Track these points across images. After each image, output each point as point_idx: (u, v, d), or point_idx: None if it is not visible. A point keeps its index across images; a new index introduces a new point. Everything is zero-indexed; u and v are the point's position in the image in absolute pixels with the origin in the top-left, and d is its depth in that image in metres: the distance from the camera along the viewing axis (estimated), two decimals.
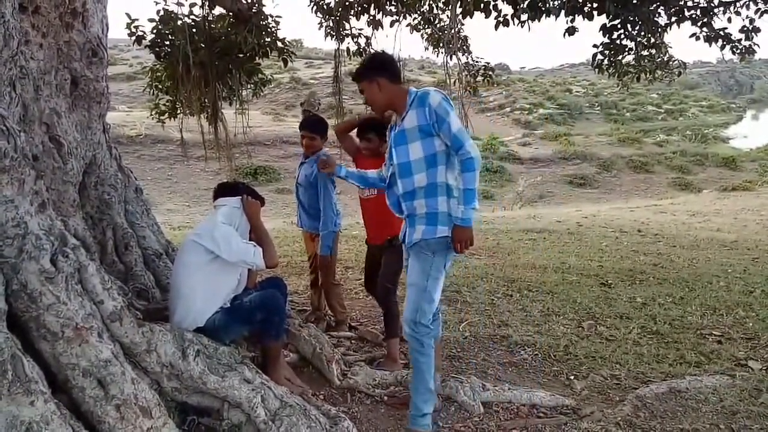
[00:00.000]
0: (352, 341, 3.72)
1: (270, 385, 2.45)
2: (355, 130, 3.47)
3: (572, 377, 3.37)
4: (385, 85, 2.55)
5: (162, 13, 6.87)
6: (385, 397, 2.87)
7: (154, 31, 7.02)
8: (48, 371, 2.04)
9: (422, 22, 8.62)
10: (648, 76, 7.98)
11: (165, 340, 2.32)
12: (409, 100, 2.53)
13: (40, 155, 2.60)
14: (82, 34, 2.87)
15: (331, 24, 8.05)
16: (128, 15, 7.03)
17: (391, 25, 7.75)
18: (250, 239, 2.83)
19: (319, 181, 3.71)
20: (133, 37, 7.13)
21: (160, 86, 8.35)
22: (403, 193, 2.60)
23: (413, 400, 2.59)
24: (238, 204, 2.86)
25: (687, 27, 6.60)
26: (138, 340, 2.23)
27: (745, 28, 6.45)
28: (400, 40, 23.55)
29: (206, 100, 7.77)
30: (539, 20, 6.54)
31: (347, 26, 8.09)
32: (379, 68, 2.58)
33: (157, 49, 7.28)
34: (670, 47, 7.72)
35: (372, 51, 7.72)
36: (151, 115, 9.11)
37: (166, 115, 8.81)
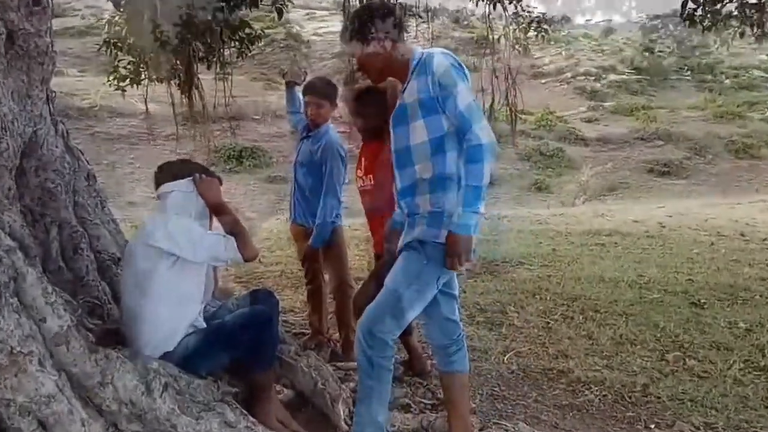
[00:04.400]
0: None
1: (258, 430, 2.45)
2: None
3: (653, 426, 3.33)
4: (383, 45, 2.45)
5: None
6: None
7: None
8: None
9: None
10: (755, 31, 7.84)
11: (124, 369, 2.33)
12: (413, 65, 2.47)
13: None
14: None
15: None
16: None
17: None
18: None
19: (328, 160, 3.77)
20: None
21: (119, 44, 8.43)
22: (401, 189, 2.56)
23: (352, 429, 2.59)
24: (191, 187, 2.85)
25: None
26: (89, 370, 2.24)
27: None
28: None
29: (178, 62, 7.82)
30: None
31: None
32: (375, 24, 2.44)
33: None
34: None
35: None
36: (109, 80, 9.22)
37: (128, 81, 8.91)
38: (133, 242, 2.76)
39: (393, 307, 2.47)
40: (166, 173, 2.93)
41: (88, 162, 3.50)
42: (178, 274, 2.66)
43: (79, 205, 3.24)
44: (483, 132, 2.35)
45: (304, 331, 4.39)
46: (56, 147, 3.17)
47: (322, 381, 3.07)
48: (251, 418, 2.52)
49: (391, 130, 2.56)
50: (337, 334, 4.14)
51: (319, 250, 3.94)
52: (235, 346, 2.70)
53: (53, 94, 3.30)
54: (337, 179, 3.79)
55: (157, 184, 2.93)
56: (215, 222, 2.93)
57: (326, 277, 4.21)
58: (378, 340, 2.47)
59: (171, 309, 2.63)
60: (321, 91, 3.83)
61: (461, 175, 2.46)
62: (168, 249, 2.62)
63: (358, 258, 6.74)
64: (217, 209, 2.89)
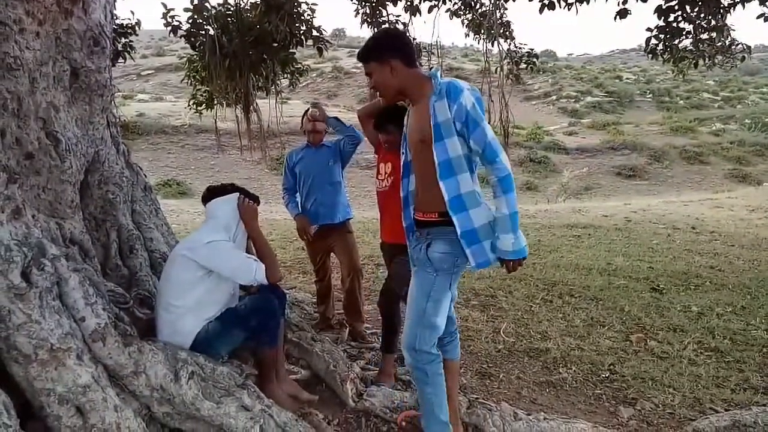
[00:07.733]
0: (376, 351, 3.40)
1: (272, 412, 2.18)
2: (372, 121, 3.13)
3: (618, 403, 2.98)
4: (399, 68, 2.12)
5: (196, 2, 6.73)
6: (404, 423, 2.55)
7: (190, 20, 6.89)
8: (23, 396, 1.84)
9: (462, 7, 8.19)
10: (707, 61, 7.33)
11: (155, 360, 2.08)
12: (436, 89, 2.09)
13: (35, 153, 2.39)
14: (83, 21, 2.63)
15: (368, 11, 7.74)
16: (164, 5, 6.92)
17: (430, 10, 7.38)
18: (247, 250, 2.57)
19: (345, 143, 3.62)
20: (169, 28, 7.03)
21: (196, 76, 8.29)
22: (450, 199, 2.10)
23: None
24: (234, 207, 2.60)
25: (753, 7, 5.99)
26: (123, 362, 2.00)
27: None
28: (438, 26, 22.83)
29: (240, 91, 7.65)
30: (587, 2, 6.05)
31: (384, 13, 7.76)
32: (393, 47, 2.13)
33: (192, 39, 7.16)
34: (733, 30, 7.04)
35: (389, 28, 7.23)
36: (189, 105, 9.10)
37: (203, 105, 8.79)
38: (178, 250, 2.49)
39: (421, 321, 2.15)
40: (213, 194, 2.68)
41: (146, 176, 3.26)
42: (207, 286, 2.42)
43: (137, 212, 3.00)
44: (506, 162, 2.05)
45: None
46: (116, 164, 2.92)
47: (333, 363, 2.78)
48: (266, 401, 2.25)
49: (433, 144, 2.10)
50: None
51: (331, 245, 3.64)
52: (246, 327, 2.45)
53: (115, 120, 3.07)
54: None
55: (204, 202, 2.68)
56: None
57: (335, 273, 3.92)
58: (423, 353, 2.16)
59: (196, 314, 2.38)
60: (322, 113, 3.63)
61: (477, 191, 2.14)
62: (204, 264, 2.38)
63: (368, 246, 6.40)
64: (252, 232, 2.63)
